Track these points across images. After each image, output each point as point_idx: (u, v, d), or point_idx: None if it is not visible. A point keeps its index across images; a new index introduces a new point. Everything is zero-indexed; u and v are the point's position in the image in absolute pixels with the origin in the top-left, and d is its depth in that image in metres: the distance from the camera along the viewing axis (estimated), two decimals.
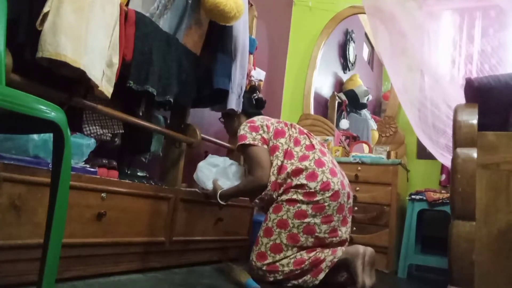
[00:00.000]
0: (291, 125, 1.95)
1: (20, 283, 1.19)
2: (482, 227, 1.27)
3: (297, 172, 1.74)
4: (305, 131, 1.95)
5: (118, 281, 1.49)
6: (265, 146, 1.85)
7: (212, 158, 2.00)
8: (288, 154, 1.80)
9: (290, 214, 1.70)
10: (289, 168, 1.75)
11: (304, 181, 1.71)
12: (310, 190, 1.69)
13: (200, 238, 2.01)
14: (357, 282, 1.60)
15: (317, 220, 1.68)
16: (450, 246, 1.31)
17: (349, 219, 1.83)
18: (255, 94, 2.21)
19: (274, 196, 1.78)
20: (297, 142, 1.85)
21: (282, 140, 1.85)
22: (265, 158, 1.81)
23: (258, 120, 1.93)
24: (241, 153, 1.97)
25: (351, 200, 1.84)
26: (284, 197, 1.73)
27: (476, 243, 1.27)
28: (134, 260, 1.65)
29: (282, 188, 1.76)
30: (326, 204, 1.69)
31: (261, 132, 1.87)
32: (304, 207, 1.69)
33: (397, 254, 2.61)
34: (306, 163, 1.75)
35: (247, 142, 1.84)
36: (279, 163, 1.79)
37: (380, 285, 2.19)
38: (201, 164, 1.96)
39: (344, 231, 1.76)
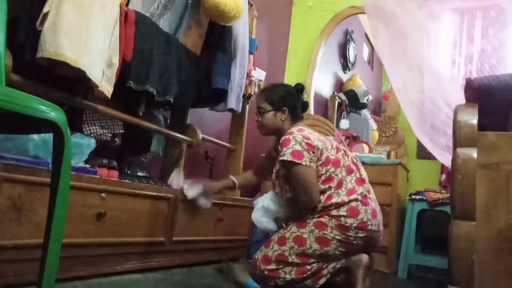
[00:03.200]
0: (344, 151, 1.77)
1: (20, 283, 1.19)
2: (482, 227, 1.27)
3: (341, 204, 1.61)
4: (355, 160, 1.79)
5: (118, 281, 1.49)
6: (314, 167, 1.67)
7: (257, 213, 1.81)
8: (338, 184, 1.66)
9: (312, 236, 1.59)
10: (335, 199, 1.62)
11: (344, 213, 1.59)
12: (346, 224, 1.59)
13: (200, 238, 2.01)
14: None
15: (337, 252, 1.60)
16: (450, 246, 1.31)
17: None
18: (301, 95, 1.89)
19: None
20: (349, 171, 1.70)
21: (338, 171, 1.68)
22: (316, 181, 1.65)
23: (314, 140, 1.67)
24: (287, 167, 1.68)
25: (379, 239, 1.72)
26: (316, 218, 1.63)
27: (476, 243, 1.27)
28: (134, 260, 1.65)
29: (318, 213, 1.64)
30: (355, 242, 1.60)
31: (316, 154, 1.66)
32: (330, 236, 1.59)
33: (397, 254, 2.61)
34: (353, 197, 1.62)
35: (304, 164, 1.61)
36: (326, 188, 1.65)
37: (380, 285, 2.19)
38: (256, 219, 1.80)
39: None
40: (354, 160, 1.77)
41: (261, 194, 2.75)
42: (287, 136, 1.67)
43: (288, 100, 1.80)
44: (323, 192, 1.65)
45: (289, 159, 1.62)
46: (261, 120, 1.81)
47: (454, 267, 1.29)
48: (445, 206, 2.41)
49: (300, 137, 1.65)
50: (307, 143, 1.64)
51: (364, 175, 1.74)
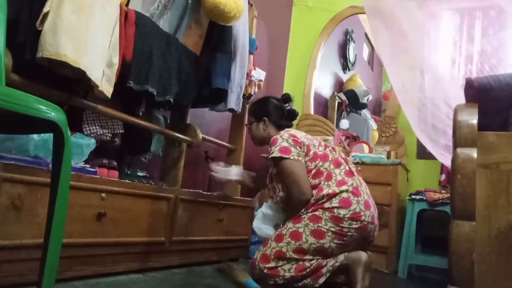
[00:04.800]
0: (332, 148, 1.85)
1: (20, 283, 1.19)
2: (482, 227, 1.27)
3: (332, 195, 1.66)
4: (343, 155, 1.84)
5: (118, 281, 1.49)
6: (302, 161, 1.75)
7: (257, 220, 1.89)
8: (327, 176, 1.72)
9: (307, 230, 1.64)
10: (325, 190, 1.67)
11: (336, 205, 1.63)
12: (339, 216, 1.62)
13: (200, 238, 2.01)
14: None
15: (333, 245, 1.63)
16: (450, 246, 1.31)
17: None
18: (287, 104, 2.00)
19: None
20: (338, 164, 1.76)
21: (326, 164, 1.75)
22: (305, 174, 1.73)
23: (301, 137, 1.79)
24: (275, 163, 1.78)
25: (375, 233, 1.75)
26: (310, 213, 1.67)
27: (476, 243, 1.27)
28: (134, 260, 1.65)
29: (312, 207, 1.68)
30: (349, 234, 1.63)
31: (302, 149, 1.75)
32: (325, 228, 1.62)
33: (397, 254, 2.61)
34: (343, 188, 1.67)
35: (292, 158, 1.71)
36: (317, 182, 1.71)
37: (380, 285, 2.20)
38: (256, 226, 1.87)
39: None
40: (343, 155, 1.84)
41: (261, 194, 2.76)
42: (275, 137, 1.80)
43: (269, 110, 1.95)
44: (314, 187, 1.71)
45: (277, 155, 1.72)
46: (249, 132, 2.02)
47: (454, 267, 1.29)
48: (445, 206, 2.41)
49: (287, 135, 1.77)
50: (293, 140, 1.75)
51: (353, 168, 1.80)
